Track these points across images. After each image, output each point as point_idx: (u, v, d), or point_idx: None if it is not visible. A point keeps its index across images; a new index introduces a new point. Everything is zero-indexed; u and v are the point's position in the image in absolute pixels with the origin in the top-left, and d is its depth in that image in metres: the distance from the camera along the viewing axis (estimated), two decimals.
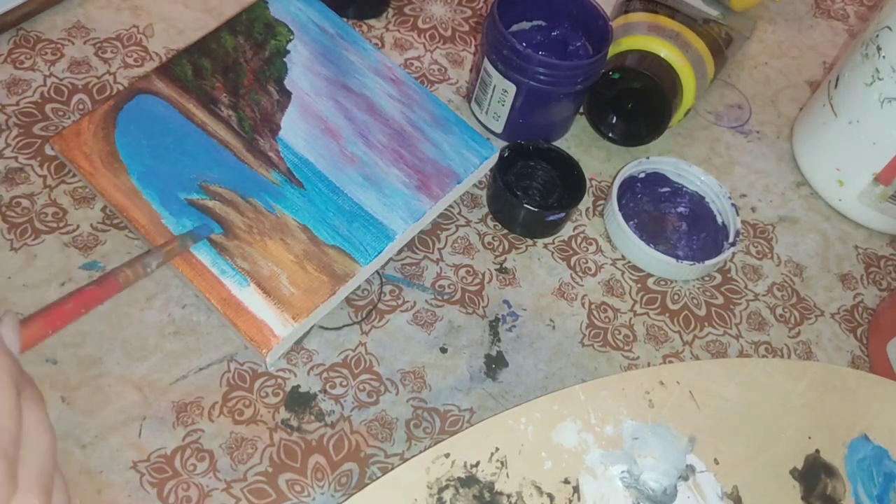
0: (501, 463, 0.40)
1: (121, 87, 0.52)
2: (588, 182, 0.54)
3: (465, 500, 0.39)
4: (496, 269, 0.50)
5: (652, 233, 0.53)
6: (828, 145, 0.57)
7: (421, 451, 0.40)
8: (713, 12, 0.65)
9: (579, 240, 0.53)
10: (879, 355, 0.51)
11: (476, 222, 0.52)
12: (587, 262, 0.52)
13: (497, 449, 0.40)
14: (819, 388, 0.46)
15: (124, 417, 0.41)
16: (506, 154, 0.51)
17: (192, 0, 0.57)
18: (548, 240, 0.52)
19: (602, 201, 0.55)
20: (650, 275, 0.52)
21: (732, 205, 0.54)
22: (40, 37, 0.53)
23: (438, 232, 0.51)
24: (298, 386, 0.44)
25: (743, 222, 0.57)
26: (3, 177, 0.47)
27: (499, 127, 0.55)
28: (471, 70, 0.59)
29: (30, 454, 0.23)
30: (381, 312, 0.47)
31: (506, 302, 0.49)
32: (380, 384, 0.45)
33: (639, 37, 0.56)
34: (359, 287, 0.47)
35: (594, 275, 0.52)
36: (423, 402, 0.45)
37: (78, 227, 0.46)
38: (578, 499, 0.40)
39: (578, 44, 0.55)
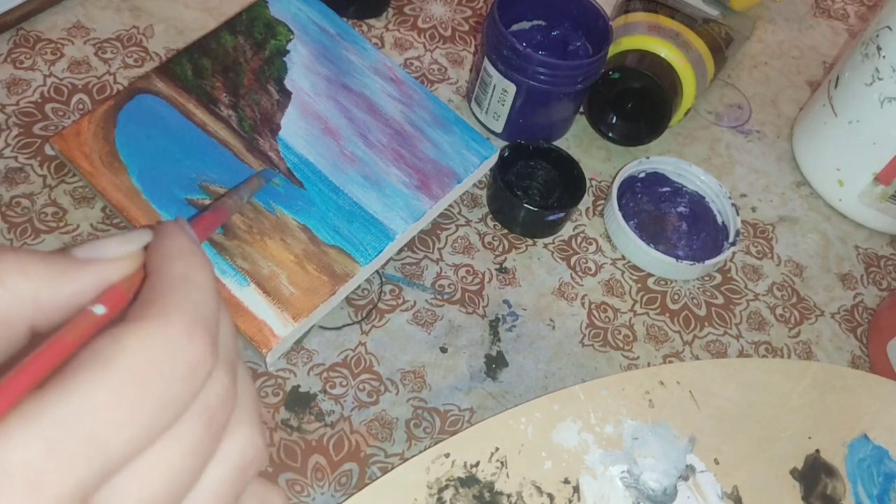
0: (501, 463, 0.40)
1: (121, 88, 0.52)
2: (588, 182, 0.54)
3: (465, 500, 0.39)
4: (496, 269, 0.50)
5: (652, 233, 0.53)
6: (828, 145, 0.57)
7: (421, 451, 0.40)
8: (713, 12, 0.65)
9: (579, 240, 0.53)
10: (879, 355, 0.51)
11: (476, 222, 0.52)
12: (587, 262, 0.52)
13: (497, 449, 0.40)
14: (819, 388, 0.46)
15: None
16: (506, 154, 0.51)
17: (192, 0, 0.57)
18: (548, 240, 0.52)
19: (602, 201, 0.55)
20: (650, 275, 0.52)
21: (732, 205, 0.54)
22: (40, 37, 0.53)
23: (438, 232, 0.51)
24: (298, 386, 0.44)
25: (743, 222, 0.56)
26: (3, 176, 0.47)
27: (499, 127, 0.55)
28: (471, 70, 0.59)
29: (221, 333, 0.23)
30: (381, 312, 0.47)
31: (506, 302, 0.49)
32: (380, 384, 0.45)
33: (639, 36, 0.56)
34: (359, 287, 0.47)
35: (594, 275, 0.52)
36: (423, 401, 0.45)
37: (78, 226, 0.46)
38: (578, 499, 0.40)
39: (578, 43, 0.55)
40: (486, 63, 0.52)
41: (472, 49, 0.61)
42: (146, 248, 0.22)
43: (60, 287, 0.20)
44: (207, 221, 0.31)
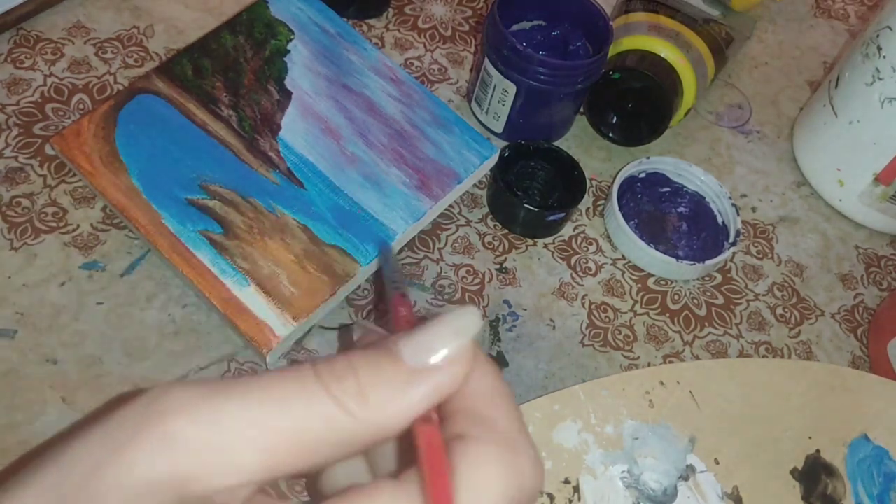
0: None
1: (121, 88, 0.52)
2: (588, 182, 0.54)
3: None
4: (496, 269, 0.50)
5: (652, 233, 0.53)
6: (828, 145, 0.57)
7: None
8: (713, 12, 0.65)
9: (579, 240, 0.53)
10: (879, 355, 0.51)
11: (476, 222, 0.52)
12: (587, 262, 0.52)
13: None
14: (819, 388, 0.46)
15: None
16: (506, 154, 0.51)
17: (192, 0, 0.57)
18: (548, 240, 0.52)
19: (602, 201, 0.55)
20: (650, 275, 0.52)
21: (733, 205, 0.54)
22: (40, 36, 0.53)
23: (438, 232, 0.51)
24: None
25: (743, 222, 0.56)
26: (4, 176, 0.47)
27: (499, 127, 0.55)
28: (471, 70, 0.59)
29: None
30: (381, 312, 0.47)
31: (506, 302, 0.49)
32: None
33: (639, 37, 0.56)
34: (359, 287, 0.47)
35: (594, 275, 0.52)
36: None
37: (78, 226, 0.46)
38: (579, 499, 0.40)
39: (579, 43, 0.55)
40: (487, 63, 0.52)
41: (473, 49, 0.61)
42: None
43: (400, 405, 0.19)
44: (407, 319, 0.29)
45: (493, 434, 0.19)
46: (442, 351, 0.20)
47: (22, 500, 0.18)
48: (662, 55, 0.55)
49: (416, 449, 0.19)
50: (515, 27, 0.56)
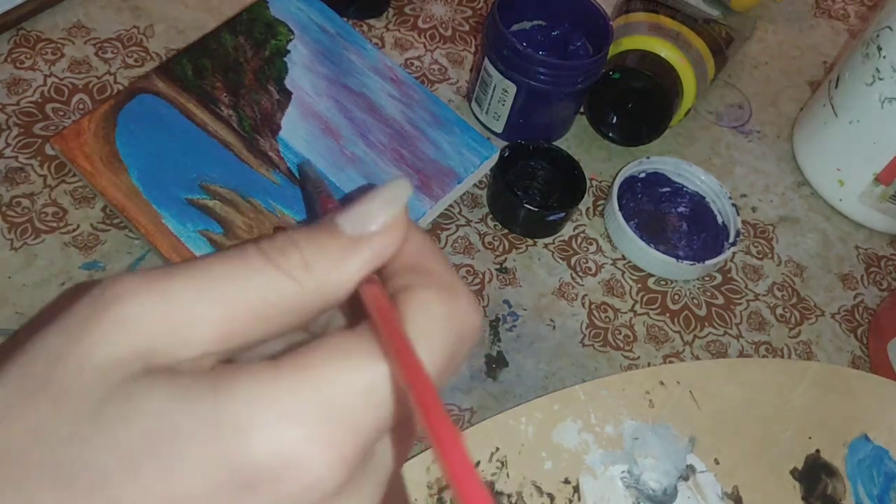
0: (501, 463, 0.40)
1: (121, 88, 0.52)
2: (588, 182, 0.54)
3: None
4: (496, 269, 0.50)
5: (652, 233, 0.53)
6: (828, 145, 0.57)
7: (421, 451, 0.40)
8: (713, 12, 0.65)
9: (579, 240, 0.53)
10: (879, 355, 0.51)
11: (476, 222, 0.52)
12: (587, 262, 0.52)
13: (497, 449, 0.40)
14: (819, 388, 0.46)
15: None
16: (506, 154, 0.51)
17: (192, 0, 0.57)
18: (548, 240, 0.52)
19: (602, 201, 0.55)
20: (650, 275, 0.52)
21: (733, 205, 0.54)
22: (40, 36, 0.53)
23: (438, 232, 0.51)
24: None
25: (743, 222, 0.56)
26: (4, 176, 0.47)
27: (499, 127, 0.55)
28: (471, 70, 0.59)
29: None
30: None
31: (506, 302, 0.49)
32: None
33: (639, 37, 0.56)
34: None
35: (594, 275, 0.52)
36: None
37: (78, 226, 0.46)
38: (578, 499, 0.40)
39: (579, 43, 0.55)
40: (487, 63, 0.52)
41: (473, 49, 0.61)
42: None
43: (343, 272, 0.20)
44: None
45: (431, 279, 0.21)
46: (379, 218, 0.21)
47: None
48: (662, 55, 0.55)
49: (364, 309, 0.20)
50: (515, 27, 0.56)
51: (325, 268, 0.20)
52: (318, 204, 0.29)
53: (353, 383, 0.19)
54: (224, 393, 0.18)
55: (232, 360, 0.22)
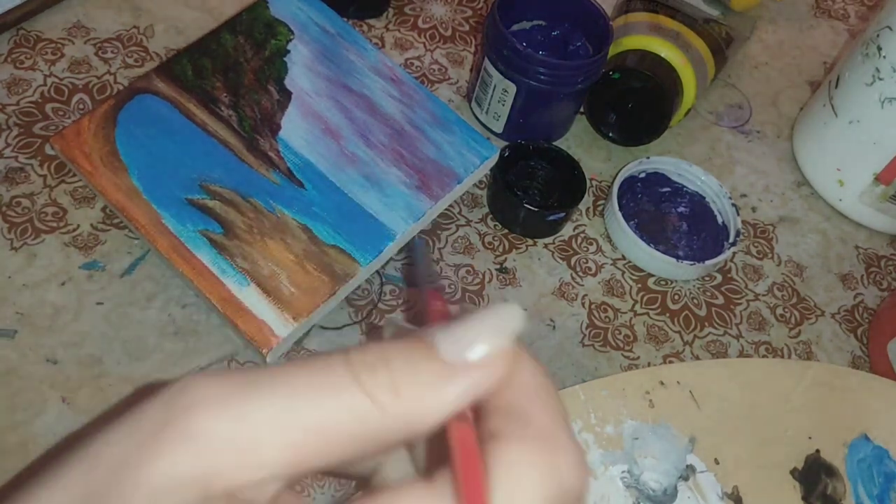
0: None
1: (121, 88, 0.52)
2: (588, 182, 0.54)
3: None
4: (496, 269, 0.50)
5: (652, 233, 0.53)
6: (828, 145, 0.57)
7: None
8: (713, 12, 0.65)
9: (579, 240, 0.53)
10: (879, 355, 0.51)
11: (476, 222, 0.52)
12: (587, 262, 0.52)
13: None
14: (819, 388, 0.46)
15: None
16: (506, 154, 0.51)
17: (192, 0, 0.57)
18: (548, 240, 0.52)
19: (602, 201, 0.55)
20: (650, 275, 0.52)
21: (733, 205, 0.54)
22: (40, 36, 0.53)
23: (438, 232, 0.51)
24: None
25: (743, 222, 0.56)
26: (4, 176, 0.47)
27: (499, 127, 0.55)
28: (471, 70, 0.59)
29: None
30: (381, 312, 0.47)
31: (506, 302, 0.49)
32: None
33: (639, 36, 0.56)
34: (359, 287, 0.47)
35: (594, 275, 0.52)
36: None
37: (78, 226, 0.46)
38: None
39: (579, 43, 0.55)
40: (487, 63, 0.52)
41: (473, 49, 0.61)
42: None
43: (434, 402, 0.18)
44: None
45: (529, 432, 0.18)
46: (481, 347, 0.19)
47: (48, 499, 0.18)
48: (662, 55, 0.55)
49: (448, 448, 0.18)
50: (515, 27, 0.56)
51: (415, 395, 0.18)
52: (423, 296, 0.26)
53: None
54: None
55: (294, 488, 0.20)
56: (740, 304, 0.53)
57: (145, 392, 0.19)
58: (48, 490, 0.18)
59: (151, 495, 0.17)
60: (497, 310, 0.19)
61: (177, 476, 0.17)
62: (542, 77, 0.50)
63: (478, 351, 0.18)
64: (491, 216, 0.52)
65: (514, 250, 0.51)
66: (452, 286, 0.49)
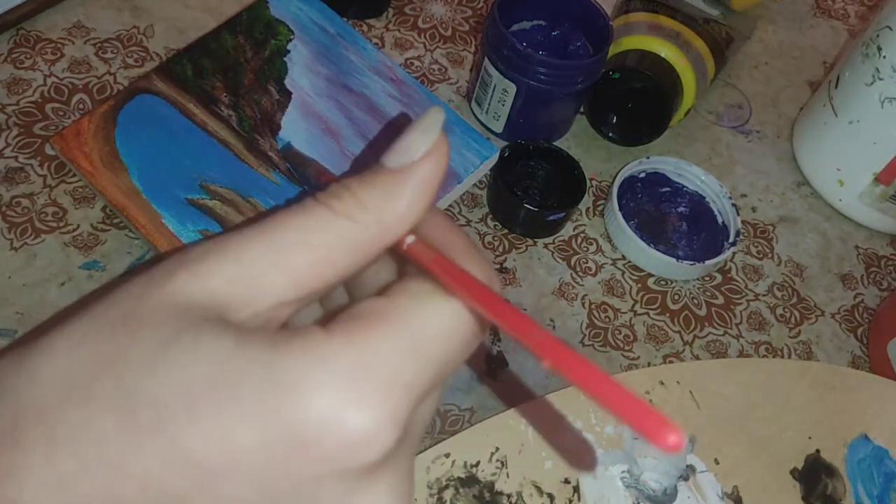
0: (502, 463, 0.40)
1: (121, 88, 0.52)
2: (588, 182, 0.54)
3: (466, 500, 0.39)
4: (496, 269, 0.50)
5: (652, 233, 0.53)
6: (828, 145, 0.57)
7: (421, 451, 0.40)
8: (713, 12, 0.65)
9: (579, 240, 0.53)
10: (879, 355, 0.51)
11: (476, 222, 0.52)
12: (587, 262, 0.52)
13: (497, 449, 0.40)
14: (819, 388, 0.46)
15: None
16: (506, 154, 0.51)
17: (192, 0, 0.57)
18: (548, 240, 0.52)
19: (602, 201, 0.55)
20: (650, 275, 0.52)
21: (733, 205, 0.54)
22: (40, 36, 0.53)
23: None
24: None
25: (743, 222, 0.56)
26: (3, 176, 0.47)
27: (499, 127, 0.55)
28: (471, 70, 0.59)
29: None
30: None
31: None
32: None
33: (639, 36, 0.56)
34: None
35: (594, 275, 0.52)
36: None
37: (78, 226, 0.46)
38: (578, 499, 0.40)
39: (579, 43, 0.55)
40: (487, 63, 0.52)
41: (473, 49, 0.61)
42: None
43: (397, 203, 0.22)
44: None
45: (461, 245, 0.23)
46: (419, 147, 0.22)
47: (74, 327, 0.20)
48: (662, 55, 0.55)
49: (415, 258, 0.22)
50: (515, 27, 0.56)
51: (379, 202, 0.21)
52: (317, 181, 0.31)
53: (437, 325, 0.21)
54: (283, 350, 0.19)
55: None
56: (740, 304, 0.53)
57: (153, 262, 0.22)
58: (74, 321, 0.20)
59: (173, 311, 0.19)
60: (421, 116, 0.22)
61: (194, 298, 0.20)
62: (542, 77, 0.50)
63: (418, 151, 0.22)
64: (491, 216, 0.52)
65: (514, 250, 0.51)
66: None
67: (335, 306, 0.27)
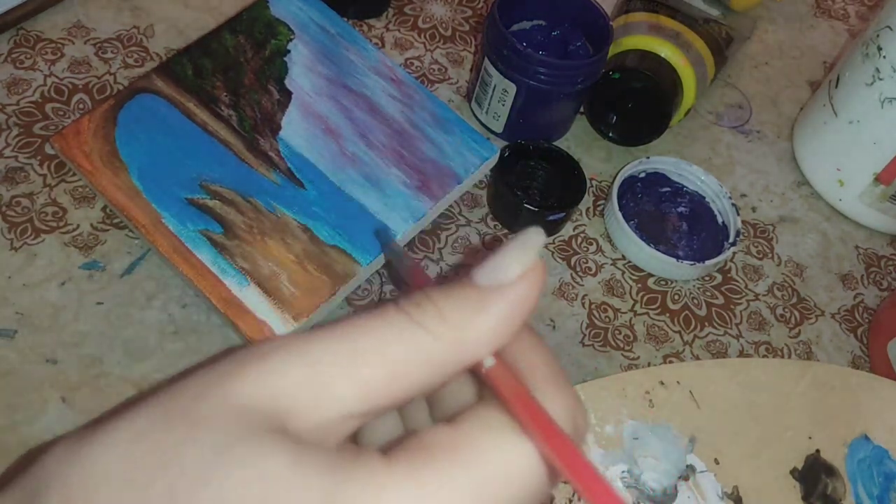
0: None
1: (121, 87, 0.52)
2: (588, 182, 0.54)
3: None
4: None
5: (652, 233, 0.53)
6: (828, 145, 0.57)
7: None
8: (713, 12, 0.65)
9: (579, 240, 0.53)
10: (879, 355, 0.51)
11: (476, 222, 0.52)
12: (587, 262, 0.52)
13: None
14: (819, 388, 0.46)
15: None
16: (506, 154, 0.51)
17: (192, 0, 0.57)
18: (548, 240, 0.52)
19: (602, 201, 0.55)
20: (650, 275, 0.52)
21: (733, 205, 0.54)
22: (40, 36, 0.53)
23: (438, 232, 0.51)
24: None
25: (743, 222, 0.56)
26: (4, 176, 0.47)
27: (499, 127, 0.55)
28: (471, 70, 0.59)
29: None
30: None
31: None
32: None
33: (639, 36, 0.56)
34: (359, 287, 0.47)
35: (594, 275, 0.52)
36: None
37: (78, 226, 0.46)
38: (579, 499, 0.40)
39: (579, 43, 0.55)
40: (487, 63, 0.52)
41: (473, 49, 0.61)
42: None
43: (479, 323, 0.20)
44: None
45: (548, 376, 0.22)
46: (512, 267, 0.21)
47: (134, 419, 0.19)
48: (662, 55, 0.55)
49: (495, 387, 0.20)
50: (515, 27, 0.56)
51: (461, 319, 0.20)
52: (408, 277, 0.29)
53: (506, 468, 0.19)
54: (340, 479, 0.18)
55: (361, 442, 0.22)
56: (740, 304, 0.53)
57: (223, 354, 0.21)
58: (133, 413, 0.19)
59: (234, 413, 0.18)
60: (519, 234, 0.21)
61: (258, 401, 0.19)
62: (542, 77, 0.50)
63: (510, 270, 0.21)
64: (491, 216, 0.52)
65: None
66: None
67: (413, 424, 0.26)
